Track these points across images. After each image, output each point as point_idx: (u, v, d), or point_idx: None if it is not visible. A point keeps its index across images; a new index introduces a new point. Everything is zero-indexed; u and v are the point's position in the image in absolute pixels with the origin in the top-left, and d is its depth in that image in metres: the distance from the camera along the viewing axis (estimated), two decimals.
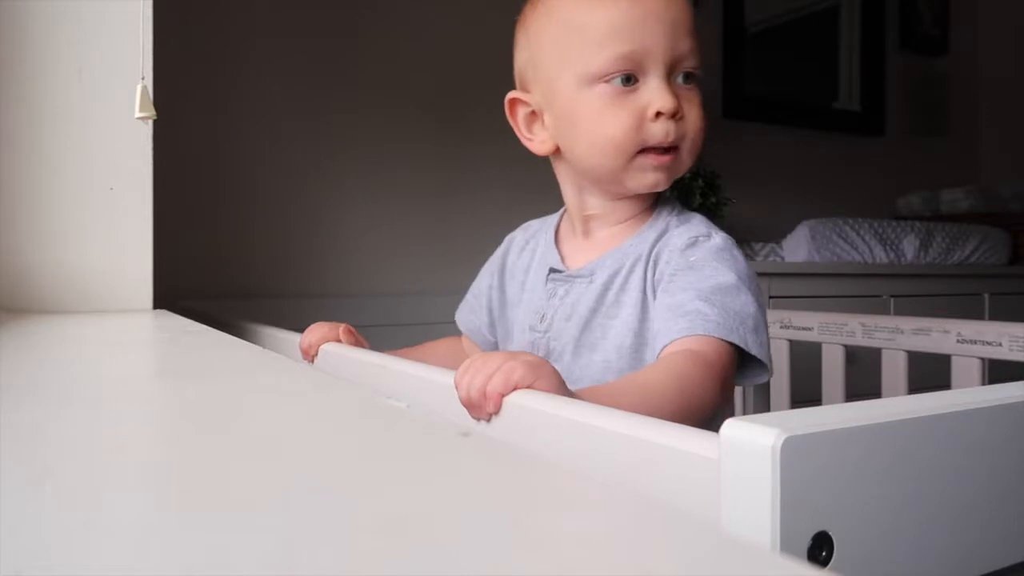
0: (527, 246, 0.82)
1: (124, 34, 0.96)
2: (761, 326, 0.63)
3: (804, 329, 1.27)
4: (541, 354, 0.71)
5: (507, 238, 0.85)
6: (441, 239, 1.79)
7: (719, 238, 0.68)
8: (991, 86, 2.86)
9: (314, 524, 0.19)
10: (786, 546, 0.30)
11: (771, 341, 1.41)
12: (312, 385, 0.44)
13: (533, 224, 0.84)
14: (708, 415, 0.57)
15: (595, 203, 0.74)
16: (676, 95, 0.66)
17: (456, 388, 0.50)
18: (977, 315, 1.98)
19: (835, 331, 1.21)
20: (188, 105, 1.53)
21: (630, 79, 0.67)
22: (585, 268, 0.72)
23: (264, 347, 0.75)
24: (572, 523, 0.20)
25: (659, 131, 0.66)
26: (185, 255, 1.48)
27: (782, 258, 1.94)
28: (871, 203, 2.51)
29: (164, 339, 0.72)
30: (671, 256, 0.67)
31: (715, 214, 1.97)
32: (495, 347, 0.83)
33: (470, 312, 0.85)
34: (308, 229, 1.64)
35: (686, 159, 0.70)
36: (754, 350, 0.61)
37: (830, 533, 0.31)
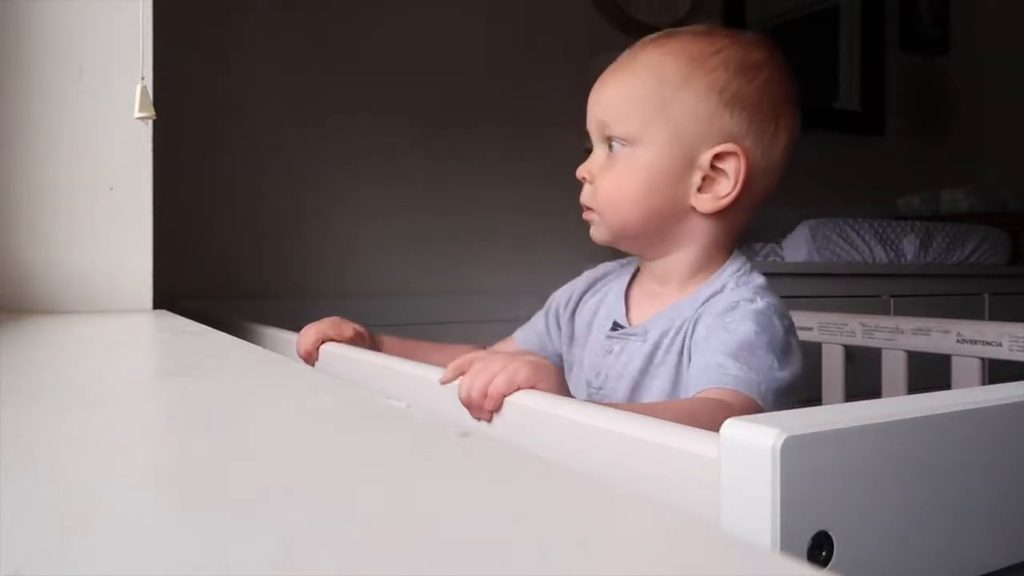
0: (600, 288, 0.82)
1: (124, 34, 0.96)
2: (786, 392, 0.61)
3: (804, 329, 1.27)
4: None
5: (593, 271, 0.85)
6: (441, 239, 1.78)
7: (763, 303, 0.67)
8: (991, 86, 2.85)
9: (314, 524, 0.19)
10: (786, 546, 0.30)
11: None
12: (312, 385, 0.44)
13: (611, 267, 0.84)
14: None
15: (645, 260, 0.76)
16: (603, 161, 0.72)
17: (458, 388, 0.50)
18: (977, 315, 1.97)
19: (835, 331, 1.21)
20: (188, 105, 1.53)
21: (589, 149, 0.75)
22: (639, 327, 0.73)
23: (264, 347, 0.75)
24: (572, 523, 0.20)
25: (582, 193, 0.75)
26: (185, 255, 1.48)
27: (782, 258, 1.94)
28: (871, 203, 2.51)
29: (164, 339, 0.72)
30: (711, 320, 0.67)
31: None
32: (559, 362, 0.83)
33: (536, 336, 0.85)
34: (308, 229, 1.64)
35: (606, 219, 0.73)
36: (769, 409, 0.60)
37: (830, 533, 0.31)
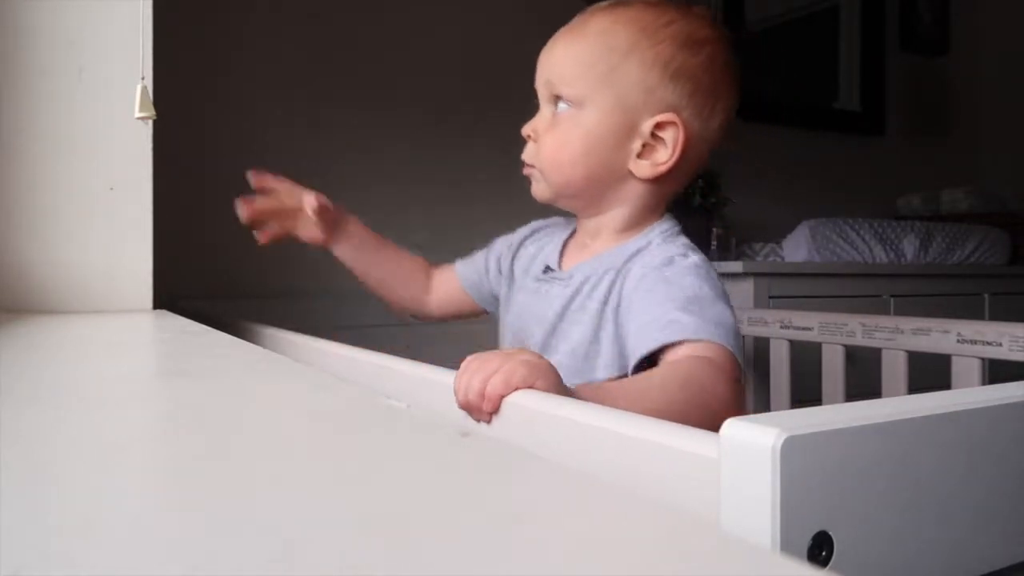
0: (541, 238, 0.86)
1: (124, 34, 0.96)
2: (737, 335, 0.65)
3: (804, 329, 1.27)
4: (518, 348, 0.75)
5: (533, 224, 0.90)
6: (441, 240, 1.78)
7: (695, 257, 0.71)
8: (991, 86, 2.85)
9: (314, 524, 0.19)
10: (786, 546, 0.30)
11: (771, 341, 1.41)
12: (312, 385, 0.44)
13: (556, 220, 0.87)
14: (723, 413, 0.57)
15: (591, 220, 0.79)
16: (548, 120, 0.75)
17: (454, 391, 0.50)
18: (977, 315, 1.97)
19: (835, 331, 1.21)
20: (188, 105, 1.53)
21: (538, 106, 0.77)
22: (565, 272, 0.77)
23: (264, 347, 0.75)
24: (572, 523, 0.20)
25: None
26: (185, 255, 1.48)
27: (782, 258, 1.94)
28: (871, 203, 2.51)
29: (164, 339, 0.72)
30: (646, 272, 0.69)
31: (715, 214, 1.97)
32: (492, 303, 0.89)
33: (476, 270, 0.91)
34: None
35: (547, 177, 0.76)
36: (736, 354, 0.63)
37: (830, 533, 0.31)
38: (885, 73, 2.63)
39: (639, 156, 0.73)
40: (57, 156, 0.94)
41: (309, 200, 0.89)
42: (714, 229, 1.96)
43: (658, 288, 0.67)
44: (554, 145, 0.74)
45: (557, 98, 0.74)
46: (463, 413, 0.50)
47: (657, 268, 0.69)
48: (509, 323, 0.81)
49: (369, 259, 0.95)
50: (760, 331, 1.36)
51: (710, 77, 0.74)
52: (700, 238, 1.96)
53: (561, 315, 0.73)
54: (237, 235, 1.57)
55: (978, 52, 2.86)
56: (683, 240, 0.74)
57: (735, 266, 1.67)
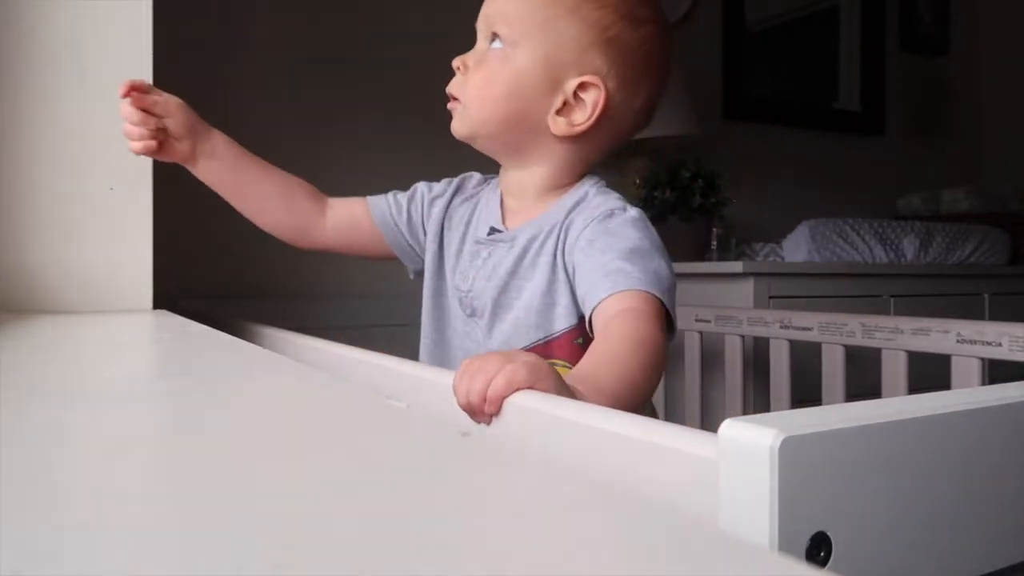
0: (472, 197, 0.87)
1: (124, 34, 0.96)
2: (673, 289, 0.69)
3: (804, 329, 1.27)
4: (467, 313, 0.79)
5: (461, 177, 0.90)
6: None
7: (634, 211, 0.73)
8: (991, 86, 2.85)
9: (314, 524, 0.19)
10: (785, 546, 0.30)
11: (771, 341, 1.40)
12: (312, 385, 0.44)
13: (478, 178, 0.89)
14: (664, 357, 0.63)
15: (512, 177, 0.81)
16: (480, 55, 0.76)
17: (455, 392, 0.50)
18: (977, 315, 1.97)
19: (835, 331, 1.21)
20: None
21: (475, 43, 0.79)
22: (508, 233, 0.79)
23: (264, 347, 0.75)
24: (572, 523, 0.20)
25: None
26: (185, 255, 1.48)
27: (782, 258, 1.94)
28: (871, 203, 2.51)
29: (164, 339, 0.72)
30: (588, 224, 0.72)
31: (715, 214, 1.97)
32: (405, 251, 0.89)
33: (391, 208, 0.90)
34: None
35: (469, 111, 0.77)
36: (668, 306, 0.67)
37: (828, 533, 0.31)
38: (885, 73, 2.63)
39: (558, 112, 0.74)
40: (57, 156, 0.94)
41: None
42: (714, 229, 1.96)
43: (600, 239, 0.70)
44: (480, 81, 0.76)
45: (494, 36, 0.76)
46: (463, 413, 0.49)
47: (600, 220, 0.72)
48: (456, 285, 0.81)
49: (242, 179, 0.88)
50: (760, 331, 1.36)
51: (642, 55, 0.75)
52: (700, 238, 1.96)
53: (513, 271, 0.76)
54: (237, 235, 1.57)
55: (978, 52, 2.86)
56: (615, 194, 0.77)
57: (735, 266, 1.67)
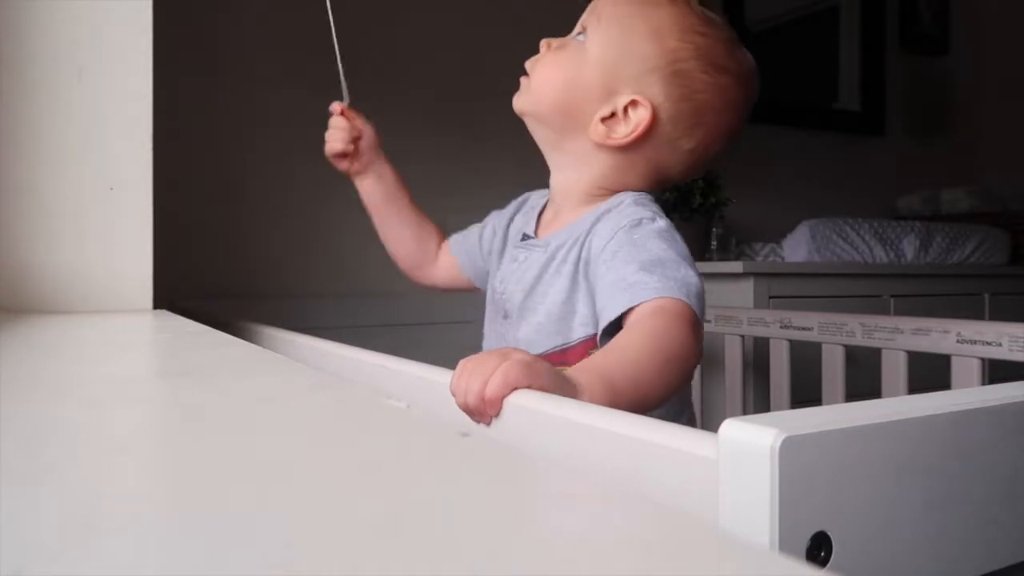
0: (526, 211, 0.89)
1: (124, 34, 0.96)
2: (702, 296, 0.66)
3: (804, 329, 1.27)
4: (501, 315, 0.80)
5: (526, 194, 0.92)
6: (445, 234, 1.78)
7: (663, 222, 0.72)
8: (991, 86, 2.85)
9: (314, 524, 0.19)
10: (785, 546, 0.30)
11: (771, 341, 1.40)
12: (312, 385, 0.44)
13: (537, 192, 0.90)
14: (692, 361, 0.61)
15: (556, 179, 0.82)
16: (564, 42, 0.78)
17: (452, 394, 0.50)
18: (977, 315, 1.97)
19: (835, 331, 1.21)
20: (188, 105, 1.53)
21: None
22: (543, 240, 0.80)
23: (264, 347, 0.75)
24: (571, 523, 0.20)
25: None
26: (185, 255, 1.48)
27: (782, 258, 1.94)
28: (871, 203, 2.51)
29: (164, 339, 0.72)
30: (615, 234, 0.71)
31: (715, 214, 1.97)
32: (484, 280, 0.91)
33: (470, 253, 0.94)
34: (308, 229, 1.64)
35: (532, 88, 0.79)
36: (696, 310, 0.64)
37: (829, 533, 0.31)
38: (885, 73, 2.63)
39: (603, 120, 0.75)
40: (57, 156, 0.94)
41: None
42: (714, 229, 1.96)
43: (624, 250, 0.69)
44: (549, 63, 0.78)
45: (584, 28, 0.77)
46: (463, 413, 0.49)
47: (625, 229, 0.71)
48: (494, 287, 0.83)
49: (392, 207, 0.97)
50: (760, 331, 1.36)
51: (704, 100, 0.75)
52: (700, 238, 1.96)
53: (539, 277, 0.76)
54: (237, 235, 1.57)
55: (978, 52, 2.86)
56: (655, 207, 0.76)
57: (735, 266, 1.67)
